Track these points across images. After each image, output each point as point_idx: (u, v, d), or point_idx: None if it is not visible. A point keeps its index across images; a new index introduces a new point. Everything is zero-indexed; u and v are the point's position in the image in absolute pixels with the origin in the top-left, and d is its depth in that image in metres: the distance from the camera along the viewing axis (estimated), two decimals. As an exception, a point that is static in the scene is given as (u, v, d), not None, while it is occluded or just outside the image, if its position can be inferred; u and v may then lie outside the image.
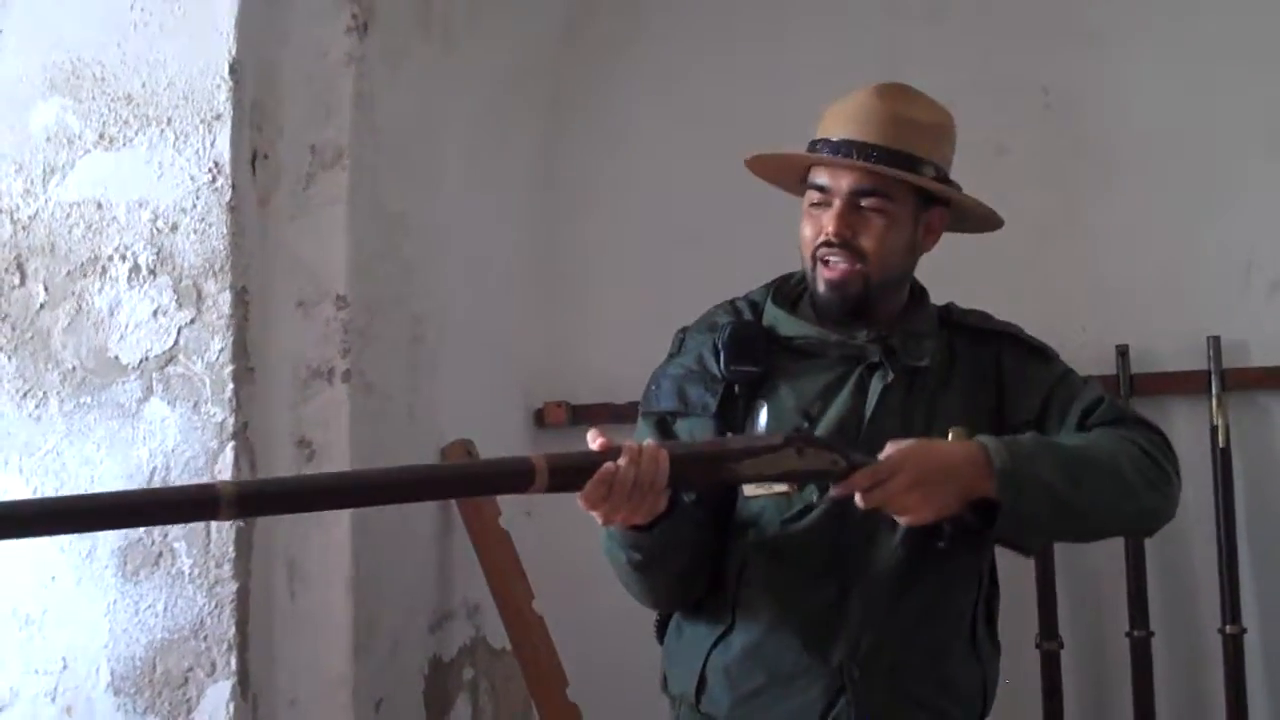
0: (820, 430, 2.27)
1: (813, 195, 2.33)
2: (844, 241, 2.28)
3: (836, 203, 2.29)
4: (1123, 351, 3.58)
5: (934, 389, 2.32)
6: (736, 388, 2.34)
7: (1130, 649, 3.53)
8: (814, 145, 2.35)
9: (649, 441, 2.09)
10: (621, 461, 2.03)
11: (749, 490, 2.28)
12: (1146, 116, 3.70)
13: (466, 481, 2.22)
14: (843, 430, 2.27)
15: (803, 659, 2.25)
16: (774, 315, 2.38)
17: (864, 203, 2.29)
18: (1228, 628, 3.49)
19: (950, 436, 2.21)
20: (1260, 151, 3.64)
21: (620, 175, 3.87)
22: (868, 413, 2.29)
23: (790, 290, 2.43)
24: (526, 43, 3.71)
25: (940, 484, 2.11)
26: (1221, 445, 3.52)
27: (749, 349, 2.34)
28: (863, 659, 2.24)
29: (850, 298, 2.30)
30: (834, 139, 2.32)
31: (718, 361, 2.34)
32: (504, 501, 3.42)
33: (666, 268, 3.71)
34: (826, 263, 2.29)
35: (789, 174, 2.43)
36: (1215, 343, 3.54)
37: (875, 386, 2.30)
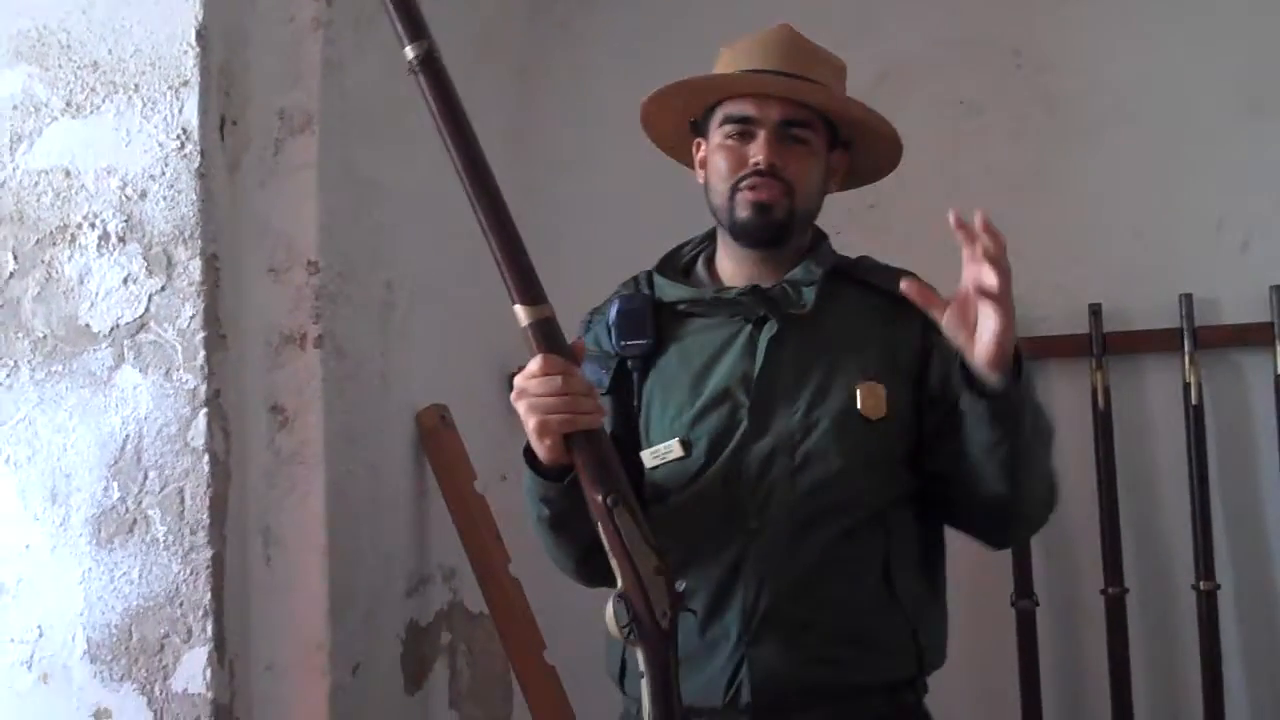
0: (709, 392, 2.27)
1: (729, 129, 2.32)
2: (774, 171, 2.27)
3: (763, 133, 2.29)
4: (1095, 310, 3.59)
5: (837, 343, 2.29)
6: (630, 362, 2.35)
7: (1105, 606, 3.55)
8: (727, 77, 2.35)
9: (577, 376, 2.09)
10: (533, 367, 2.07)
11: (648, 460, 2.30)
12: (1118, 75, 3.71)
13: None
14: (733, 389, 2.26)
15: (705, 635, 2.23)
16: (659, 284, 2.38)
17: (792, 132, 2.29)
18: (1201, 584, 3.50)
19: (859, 394, 2.23)
20: (1232, 109, 3.65)
21: (590, 140, 3.86)
22: (756, 368, 2.27)
23: (679, 259, 2.44)
24: (494, 8, 3.69)
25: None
26: (1194, 402, 3.53)
27: (637, 322, 2.35)
28: (758, 625, 2.21)
29: (774, 222, 2.29)
30: (754, 69, 2.32)
31: (610, 339, 2.36)
32: (479, 465, 3.43)
33: (636, 232, 3.68)
34: (754, 188, 2.28)
35: (687, 115, 2.41)
36: (1187, 300, 3.55)
37: (762, 341, 2.29)
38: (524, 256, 2.09)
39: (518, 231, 2.11)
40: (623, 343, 2.35)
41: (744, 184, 2.29)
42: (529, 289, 2.09)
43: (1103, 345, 3.58)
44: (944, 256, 2.34)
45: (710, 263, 2.41)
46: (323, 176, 3.01)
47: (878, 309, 2.32)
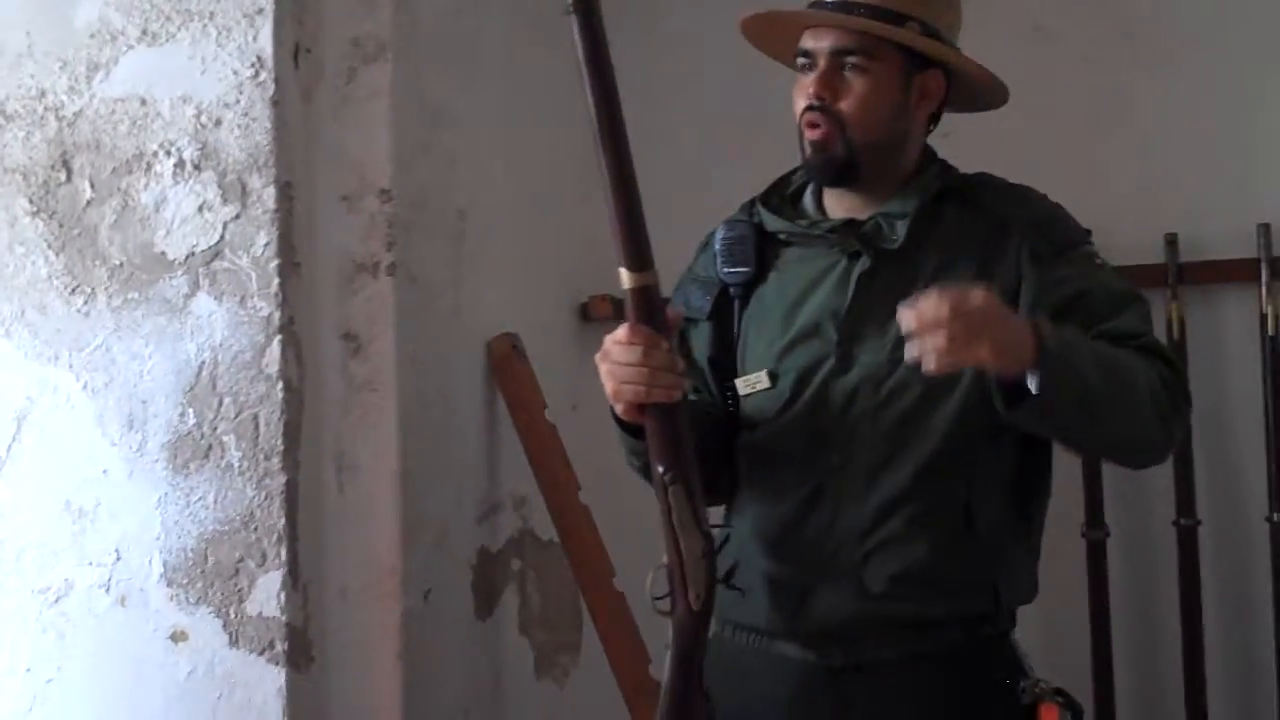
0: (800, 325, 2.27)
1: (800, 61, 2.30)
2: (823, 104, 2.24)
3: (820, 64, 2.26)
4: (1171, 240, 3.55)
5: (929, 276, 2.22)
6: (731, 290, 2.36)
7: (1176, 538, 3.53)
8: (799, 9, 2.33)
9: (660, 349, 2.09)
10: (620, 334, 2.09)
11: (740, 388, 2.31)
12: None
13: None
14: (823, 324, 2.26)
15: (776, 561, 2.25)
16: (762, 213, 2.37)
17: (847, 61, 2.25)
18: (1275, 515, 3.48)
19: None
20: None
21: (664, 65, 3.83)
22: (846, 303, 2.26)
23: (788, 186, 2.42)
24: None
25: (988, 327, 1.98)
26: (1271, 333, 3.49)
27: (740, 250, 2.35)
28: (829, 557, 2.21)
29: (833, 160, 2.26)
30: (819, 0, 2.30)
31: (715, 265, 2.37)
32: (550, 394, 3.44)
33: (712, 157, 3.70)
34: (809, 125, 2.26)
35: (785, 44, 2.36)
36: (1265, 230, 3.50)
37: (854, 276, 2.27)
38: (640, 220, 2.08)
39: (639, 194, 2.08)
40: (725, 270, 2.35)
41: (804, 119, 2.27)
42: (638, 254, 2.07)
43: (1179, 276, 3.54)
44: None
45: (820, 190, 2.38)
46: (396, 105, 3.02)
47: (976, 235, 2.28)
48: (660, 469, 2.11)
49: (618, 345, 2.10)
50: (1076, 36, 3.70)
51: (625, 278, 2.09)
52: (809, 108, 2.25)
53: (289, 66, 2.89)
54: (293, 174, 2.89)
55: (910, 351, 1.98)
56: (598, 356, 2.13)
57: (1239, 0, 3.61)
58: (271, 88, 2.84)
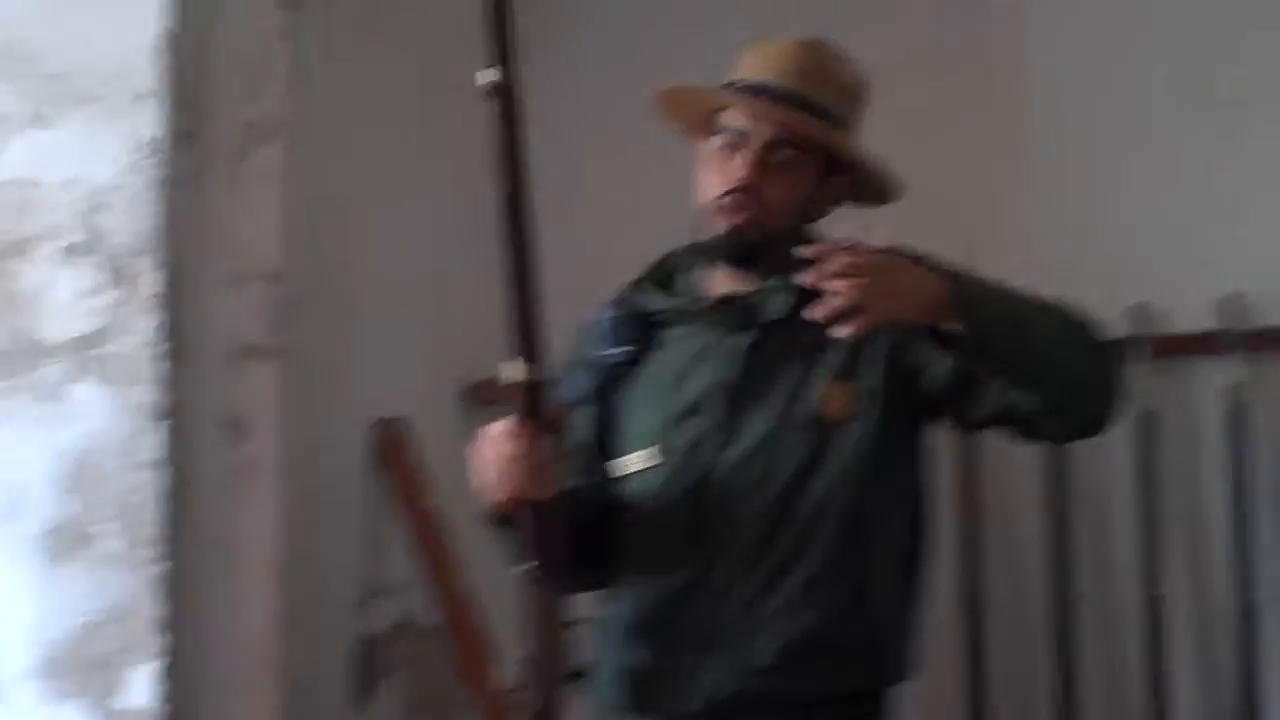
0: (685, 401, 2.26)
1: (723, 138, 2.27)
2: (751, 190, 2.23)
3: (750, 149, 2.24)
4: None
5: (811, 346, 2.23)
6: (613, 370, 2.35)
7: (1054, 611, 3.55)
8: (733, 85, 2.30)
9: (540, 447, 2.09)
10: (502, 426, 2.09)
11: (623, 468, 2.30)
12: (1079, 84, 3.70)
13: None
14: (708, 399, 2.25)
15: (667, 638, 2.23)
16: (642, 294, 2.37)
17: (778, 153, 2.24)
18: (1153, 591, 3.50)
19: (826, 397, 2.21)
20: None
21: (555, 147, 3.82)
22: (730, 377, 2.26)
23: (668, 265, 2.41)
24: (459, 14, 3.65)
25: (902, 285, 2.01)
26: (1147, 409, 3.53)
27: (621, 331, 2.35)
28: (717, 632, 2.20)
29: (746, 244, 2.25)
30: (756, 81, 2.28)
31: (597, 346, 2.36)
32: (437, 479, 3.41)
33: (602, 241, 3.70)
34: (731, 208, 2.24)
35: (696, 113, 2.35)
36: (1141, 309, 3.55)
37: (737, 349, 2.27)
38: (536, 312, 2.08)
39: (538, 287, 2.08)
40: (608, 351, 2.35)
41: (724, 200, 2.24)
42: (529, 347, 2.08)
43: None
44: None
45: (700, 268, 2.37)
46: (287, 187, 2.99)
47: None
48: (528, 564, 2.10)
49: (499, 437, 2.09)
50: (970, 120, 3.74)
51: (514, 370, 2.08)
52: (734, 190, 2.24)
53: (178, 149, 2.85)
54: (180, 257, 2.84)
55: (820, 311, 1.98)
56: (477, 445, 2.12)
57: (1100, 73, 3.67)
58: (160, 170, 2.80)
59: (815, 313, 1.99)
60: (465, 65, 3.67)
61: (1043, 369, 2.13)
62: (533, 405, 2.08)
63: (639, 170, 3.71)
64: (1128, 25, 3.65)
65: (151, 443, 2.80)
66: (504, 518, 2.15)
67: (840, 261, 1.98)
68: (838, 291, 1.98)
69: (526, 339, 2.08)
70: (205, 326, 2.93)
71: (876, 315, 2.00)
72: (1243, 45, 3.58)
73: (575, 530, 2.18)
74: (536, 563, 2.10)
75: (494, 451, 2.10)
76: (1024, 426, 2.21)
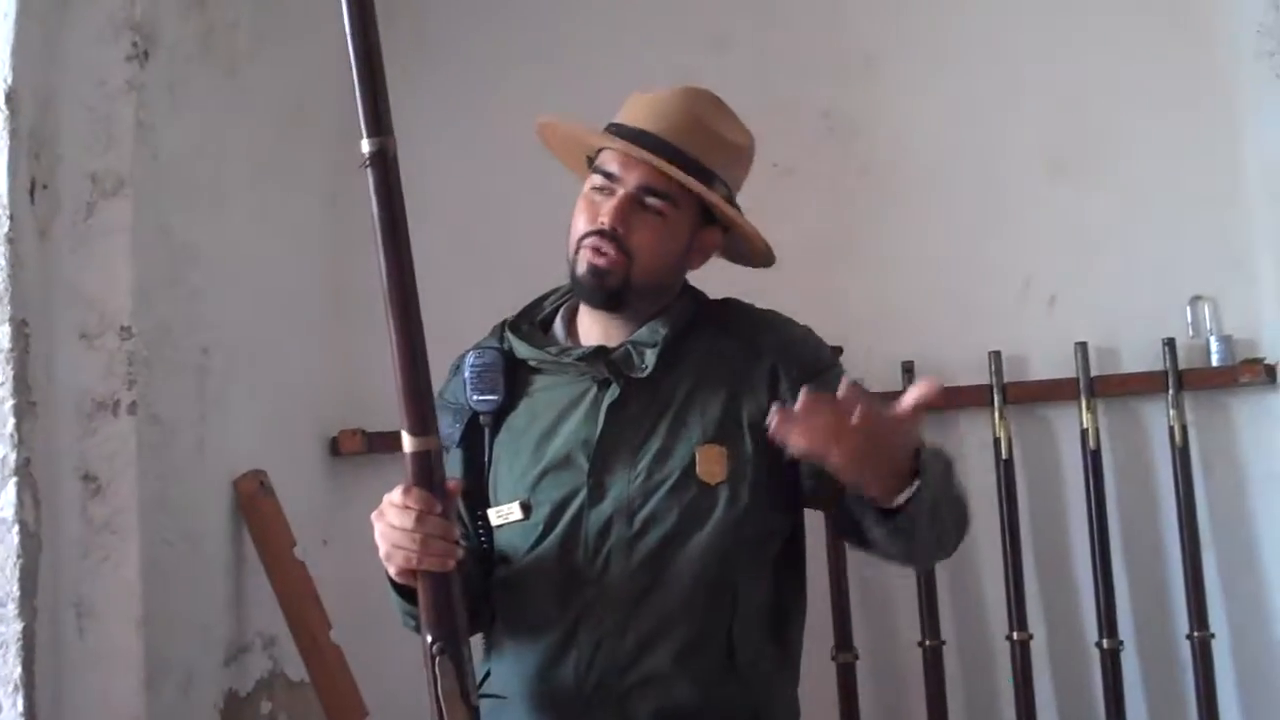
0: (551, 455, 2.26)
1: (596, 180, 2.29)
2: (615, 235, 2.23)
3: (619, 194, 2.25)
4: (908, 368, 3.65)
5: (680, 405, 2.25)
6: (481, 417, 2.34)
7: (922, 658, 3.61)
8: (611, 129, 2.31)
9: (434, 517, 2.06)
10: (396, 497, 2.06)
11: (493, 519, 2.28)
12: (926, 138, 3.80)
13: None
14: (574, 454, 2.25)
15: (537, 700, 2.22)
16: (511, 339, 2.36)
17: (647, 200, 2.25)
18: (1015, 634, 3.58)
19: (698, 459, 2.21)
20: (1036, 170, 3.76)
21: (411, 202, 3.84)
22: (596, 432, 2.25)
23: (539, 311, 2.42)
24: (311, 70, 3.67)
25: (877, 459, 1.99)
26: (1004, 457, 3.62)
27: (490, 377, 2.33)
28: (590, 694, 2.19)
29: (607, 287, 2.25)
30: (633, 127, 2.28)
31: (464, 391, 2.35)
32: (300, 531, 3.39)
33: (459, 291, 3.70)
34: (594, 250, 2.24)
35: (577, 152, 2.38)
36: (996, 357, 3.64)
37: (603, 404, 2.26)
38: (425, 382, 2.06)
39: (425, 357, 2.05)
40: (475, 397, 2.33)
41: (587, 241, 2.25)
42: (420, 418, 2.05)
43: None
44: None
45: (571, 316, 2.38)
46: (136, 241, 2.96)
47: (727, 360, 2.29)
48: (429, 638, 2.07)
49: (393, 508, 2.06)
50: (815, 177, 3.82)
51: (406, 441, 2.06)
52: (599, 232, 2.24)
53: (24, 202, 2.81)
54: (28, 311, 2.80)
55: (783, 437, 1.95)
56: (374, 515, 2.09)
57: (964, 139, 3.79)
58: (6, 224, 2.76)
59: (780, 431, 1.95)
60: (315, 117, 3.73)
61: (921, 553, 2.21)
62: (425, 475, 2.06)
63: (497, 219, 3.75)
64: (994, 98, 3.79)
65: (4, 499, 2.74)
66: (405, 588, 2.12)
67: (829, 423, 1.95)
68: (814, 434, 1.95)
69: (416, 409, 2.05)
70: (57, 381, 2.89)
71: (835, 462, 1.97)
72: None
73: (471, 596, 2.17)
74: (436, 637, 2.07)
75: (389, 521, 2.06)
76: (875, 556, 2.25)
